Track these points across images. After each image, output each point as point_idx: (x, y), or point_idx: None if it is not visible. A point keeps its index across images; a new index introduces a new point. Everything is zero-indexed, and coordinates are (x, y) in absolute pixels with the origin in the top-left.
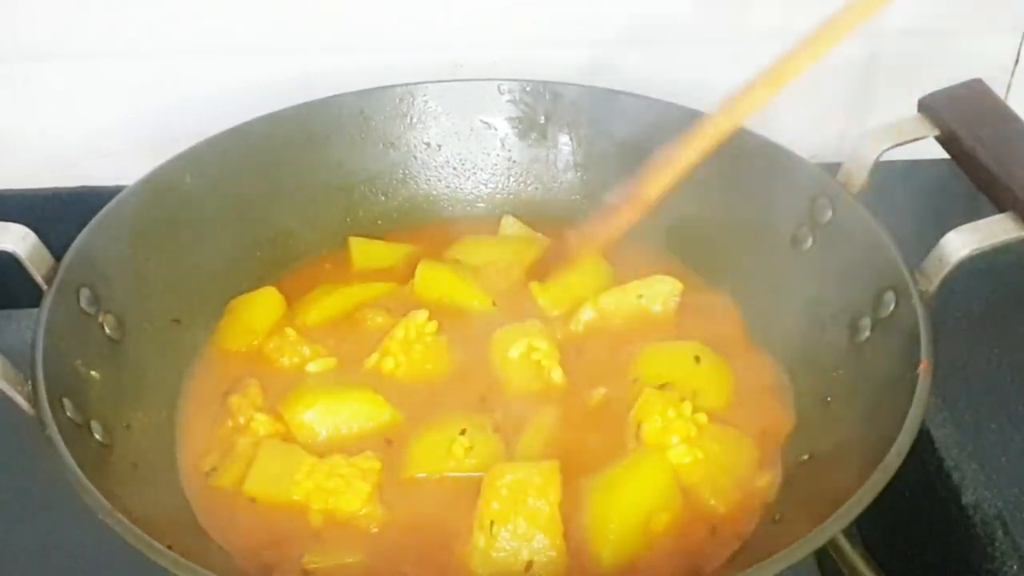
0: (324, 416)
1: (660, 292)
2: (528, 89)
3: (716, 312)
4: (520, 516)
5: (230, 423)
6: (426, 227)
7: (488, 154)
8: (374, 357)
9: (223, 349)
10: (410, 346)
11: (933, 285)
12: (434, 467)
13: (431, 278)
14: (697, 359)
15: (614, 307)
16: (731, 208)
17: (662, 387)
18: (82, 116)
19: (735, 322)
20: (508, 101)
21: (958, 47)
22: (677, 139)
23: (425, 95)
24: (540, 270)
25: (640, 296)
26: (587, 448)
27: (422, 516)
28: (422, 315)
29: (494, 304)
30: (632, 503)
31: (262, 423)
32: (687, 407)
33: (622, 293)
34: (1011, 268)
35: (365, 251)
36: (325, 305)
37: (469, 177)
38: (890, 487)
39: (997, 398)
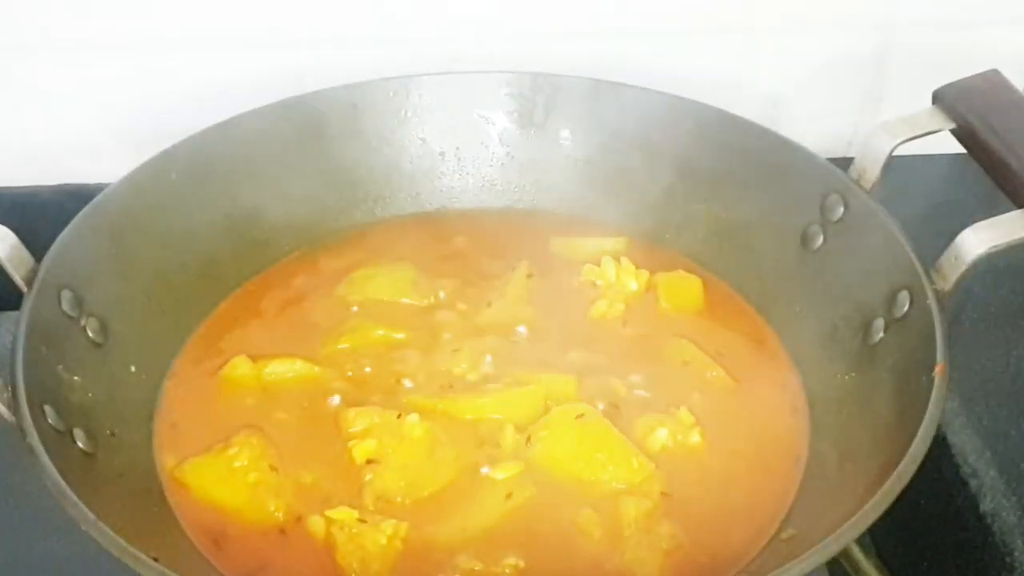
0: None
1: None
2: (527, 82)
3: (732, 312)
4: None
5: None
6: (423, 225)
7: (486, 149)
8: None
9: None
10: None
11: (949, 284)
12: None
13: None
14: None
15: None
16: (739, 205)
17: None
18: (64, 112)
19: (751, 324)
20: (506, 94)
21: (974, 37)
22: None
23: (420, 89)
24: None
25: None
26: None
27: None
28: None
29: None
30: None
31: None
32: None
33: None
34: None
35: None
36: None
37: (466, 173)
38: (905, 495)
39: (1016, 402)
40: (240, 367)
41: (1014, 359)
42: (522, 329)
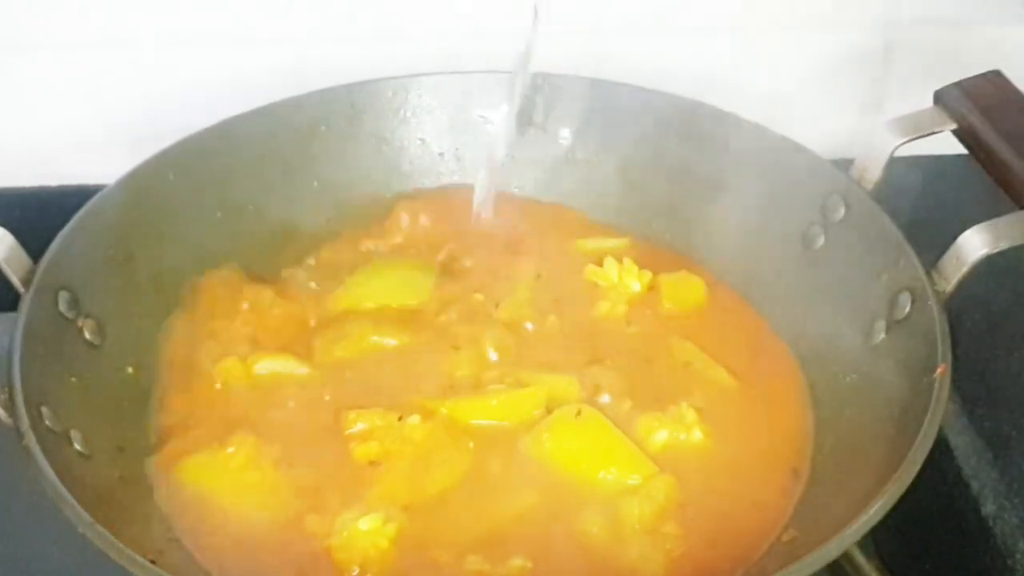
0: None
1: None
2: (527, 82)
3: (734, 313)
4: None
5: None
6: (420, 224)
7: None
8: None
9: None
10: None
11: (950, 285)
12: None
13: None
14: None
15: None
16: (740, 205)
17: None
18: (61, 111)
19: (753, 324)
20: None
21: (976, 37)
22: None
23: (420, 89)
24: None
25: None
26: None
27: None
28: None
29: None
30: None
31: None
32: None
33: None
34: None
35: None
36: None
37: (466, 174)
38: (906, 497)
39: (1018, 403)
40: (233, 367)
41: (1016, 360)
42: (524, 330)
